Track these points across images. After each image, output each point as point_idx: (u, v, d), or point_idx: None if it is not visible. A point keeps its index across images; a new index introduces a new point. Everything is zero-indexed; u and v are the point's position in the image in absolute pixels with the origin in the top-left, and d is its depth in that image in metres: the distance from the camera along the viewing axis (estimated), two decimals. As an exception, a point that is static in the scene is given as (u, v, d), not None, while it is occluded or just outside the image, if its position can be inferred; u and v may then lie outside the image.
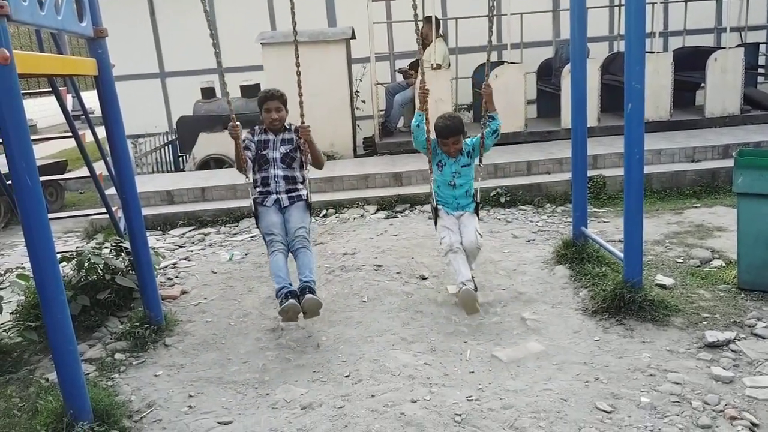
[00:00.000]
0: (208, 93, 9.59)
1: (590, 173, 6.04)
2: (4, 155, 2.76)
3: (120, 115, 3.92)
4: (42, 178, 3.01)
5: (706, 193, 6.82)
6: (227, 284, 5.06)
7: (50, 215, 3.17)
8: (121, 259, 4.57)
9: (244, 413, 3.25)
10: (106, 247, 4.63)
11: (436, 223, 4.36)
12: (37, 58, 3.40)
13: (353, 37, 8.83)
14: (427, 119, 4.16)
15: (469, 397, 3.21)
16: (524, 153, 7.79)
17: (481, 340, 3.85)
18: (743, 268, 4.19)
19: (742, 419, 2.89)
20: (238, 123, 4.07)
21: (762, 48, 10.35)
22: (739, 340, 3.59)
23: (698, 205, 6.43)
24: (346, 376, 3.52)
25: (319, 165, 4.44)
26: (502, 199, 6.84)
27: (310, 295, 3.85)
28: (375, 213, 6.82)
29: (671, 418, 2.94)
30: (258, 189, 4.32)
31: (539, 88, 10.04)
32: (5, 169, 3.17)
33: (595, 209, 6.43)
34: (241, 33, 10.35)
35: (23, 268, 5.36)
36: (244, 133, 4.30)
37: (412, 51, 9.61)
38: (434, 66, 8.20)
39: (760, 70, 10.41)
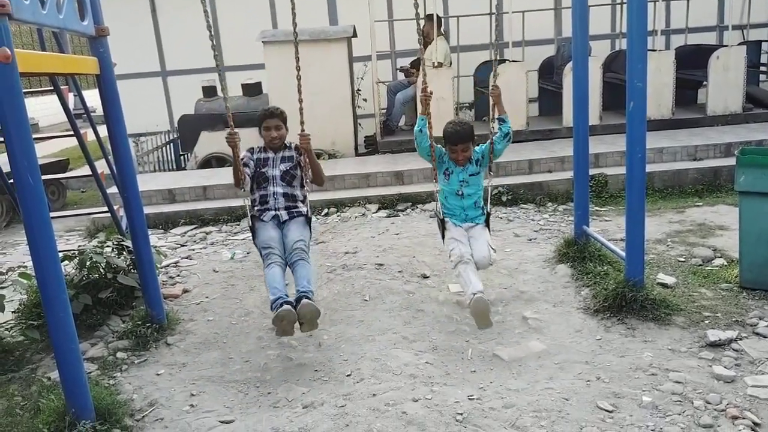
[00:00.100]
0: (209, 91, 9.58)
1: (592, 172, 6.05)
2: (5, 154, 2.76)
3: (121, 114, 3.93)
4: (44, 177, 3.00)
5: (708, 191, 6.80)
6: (229, 283, 5.06)
7: (52, 214, 3.16)
8: (122, 257, 4.58)
9: (246, 412, 3.26)
10: (107, 246, 4.64)
11: (443, 236, 4.07)
12: (39, 57, 3.39)
13: (354, 35, 8.82)
14: (429, 124, 3.96)
15: (471, 396, 3.21)
16: (526, 151, 7.78)
17: (482, 339, 3.84)
18: (745, 266, 4.19)
19: (743, 418, 2.89)
20: (236, 131, 3.89)
21: (764, 46, 10.31)
22: (740, 339, 3.58)
23: (700, 203, 6.42)
24: (348, 375, 3.52)
25: (319, 181, 4.26)
26: (504, 198, 6.84)
27: (307, 301, 3.62)
28: (376, 212, 6.82)
29: (673, 417, 2.94)
30: (257, 207, 4.11)
31: (541, 86, 10.04)
32: (7, 168, 3.17)
33: (596, 208, 6.42)
34: (242, 31, 10.36)
35: (25, 266, 5.38)
36: (243, 152, 4.14)
37: (414, 49, 9.61)
38: (436, 64, 8.20)
39: (763, 68, 10.40)
